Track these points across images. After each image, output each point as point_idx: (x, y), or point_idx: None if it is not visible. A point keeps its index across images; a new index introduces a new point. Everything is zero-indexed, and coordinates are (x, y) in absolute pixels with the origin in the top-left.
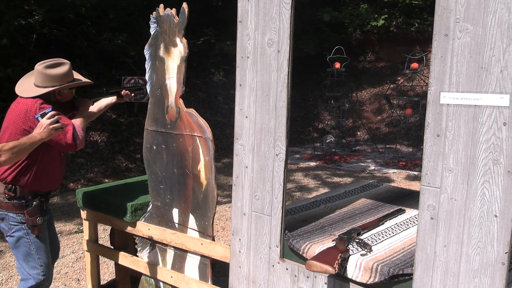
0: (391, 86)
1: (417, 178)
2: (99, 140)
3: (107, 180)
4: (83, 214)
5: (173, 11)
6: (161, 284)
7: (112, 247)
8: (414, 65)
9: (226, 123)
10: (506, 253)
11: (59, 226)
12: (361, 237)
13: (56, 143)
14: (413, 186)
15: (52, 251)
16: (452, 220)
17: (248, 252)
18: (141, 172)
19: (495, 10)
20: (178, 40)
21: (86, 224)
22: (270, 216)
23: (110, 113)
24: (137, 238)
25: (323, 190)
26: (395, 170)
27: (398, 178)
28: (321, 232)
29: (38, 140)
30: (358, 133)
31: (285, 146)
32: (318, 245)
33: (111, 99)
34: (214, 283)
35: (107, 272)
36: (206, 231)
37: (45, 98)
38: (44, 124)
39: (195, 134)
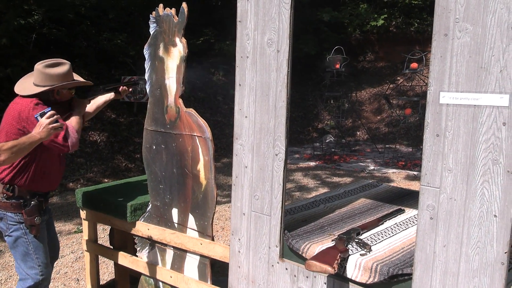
0: (391, 86)
1: (416, 178)
2: (99, 140)
3: (106, 180)
4: (83, 214)
5: (173, 11)
6: (161, 284)
7: (112, 247)
8: (414, 65)
9: (226, 123)
10: (505, 253)
11: (58, 226)
12: (361, 237)
13: (49, 144)
14: (413, 186)
15: (52, 251)
16: (452, 220)
17: (248, 252)
18: (140, 172)
19: (495, 10)
20: (177, 39)
21: (85, 224)
22: (270, 216)
23: (109, 113)
24: (136, 238)
25: (322, 190)
26: (394, 170)
27: (398, 178)
28: (321, 232)
29: (37, 140)
30: (358, 133)
31: (284, 146)
32: (317, 245)
33: (109, 96)
34: (213, 283)
35: (107, 272)
36: (205, 231)
37: (43, 98)
38: (43, 124)
39: (195, 134)
